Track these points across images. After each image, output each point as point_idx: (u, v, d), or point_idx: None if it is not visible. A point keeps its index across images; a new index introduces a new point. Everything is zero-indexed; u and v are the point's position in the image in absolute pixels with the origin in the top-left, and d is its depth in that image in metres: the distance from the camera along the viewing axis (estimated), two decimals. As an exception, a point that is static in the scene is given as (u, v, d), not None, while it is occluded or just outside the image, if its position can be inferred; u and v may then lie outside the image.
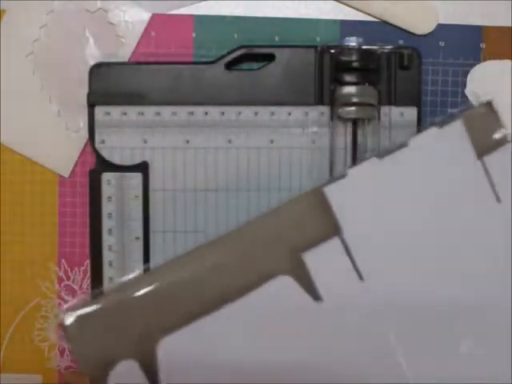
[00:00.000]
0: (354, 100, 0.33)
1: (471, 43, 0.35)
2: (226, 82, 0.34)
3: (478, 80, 0.35)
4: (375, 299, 0.30)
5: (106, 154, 0.34)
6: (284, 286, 0.29)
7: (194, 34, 0.35)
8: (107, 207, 0.34)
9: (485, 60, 0.35)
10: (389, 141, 0.34)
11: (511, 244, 0.31)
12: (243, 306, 0.29)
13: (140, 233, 0.34)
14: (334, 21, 0.35)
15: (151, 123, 0.34)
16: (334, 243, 0.30)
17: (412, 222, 0.30)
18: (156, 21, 0.35)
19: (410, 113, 0.34)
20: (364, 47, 0.34)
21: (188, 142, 0.34)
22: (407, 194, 0.30)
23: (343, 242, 0.30)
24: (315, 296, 0.29)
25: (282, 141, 0.34)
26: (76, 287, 0.36)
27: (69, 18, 0.35)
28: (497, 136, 0.31)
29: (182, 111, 0.34)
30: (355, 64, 0.33)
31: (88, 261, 0.35)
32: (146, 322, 0.29)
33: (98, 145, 0.34)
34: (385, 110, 0.34)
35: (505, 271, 0.31)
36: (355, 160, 0.33)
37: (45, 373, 0.36)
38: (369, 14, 0.35)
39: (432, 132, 0.31)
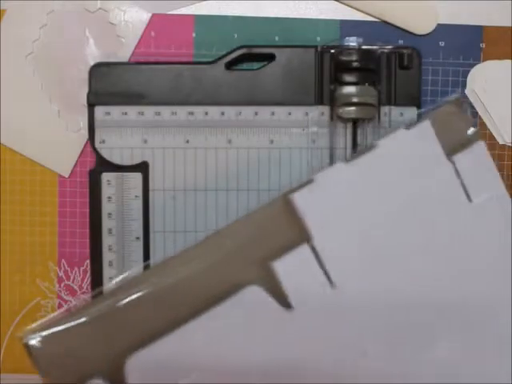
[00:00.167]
0: (354, 100, 0.33)
1: (471, 43, 0.35)
2: (226, 81, 0.34)
3: (478, 80, 0.35)
4: (347, 305, 0.29)
5: (105, 154, 0.34)
6: (253, 296, 0.29)
7: (194, 34, 0.35)
8: (107, 207, 0.34)
9: (485, 60, 0.35)
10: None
11: (483, 243, 0.30)
12: (212, 318, 0.29)
13: (140, 233, 0.34)
14: (334, 21, 0.35)
15: (151, 123, 0.34)
16: (304, 250, 0.29)
17: (382, 225, 0.30)
18: (156, 21, 0.35)
19: (410, 113, 0.34)
20: (364, 47, 0.34)
21: (188, 141, 0.34)
22: (376, 197, 0.30)
23: (313, 248, 0.29)
24: (285, 305, 0.29)
25: (282, 141, 0.34)
26: (76, 287, 0.36)
27: (69, 18, 0.35)
28: (466, 134, 0.31)
29: (182, 111, 0.34)
30: (355, 64, 0.33)
31: (88, 261, 0.35)
32: (113, 339, 0.29)
33: (98, 145, 0.34)
34: (385, 109, 0.34)
35: (478, 270, 0.30)
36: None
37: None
38: (369, 14, 0.35)
39: (400, 133, 0.31)
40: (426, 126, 0.30)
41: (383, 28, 0.35)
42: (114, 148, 0.34)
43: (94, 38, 0.35)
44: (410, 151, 0.30)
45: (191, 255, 0.30)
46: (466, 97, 0.35)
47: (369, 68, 0.33)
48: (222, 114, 0.34)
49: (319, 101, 0.34)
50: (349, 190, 0.30)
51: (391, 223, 0.30)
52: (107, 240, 0.34)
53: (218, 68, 0.34)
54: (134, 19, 0.35)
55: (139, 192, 0.34)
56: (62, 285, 0.36)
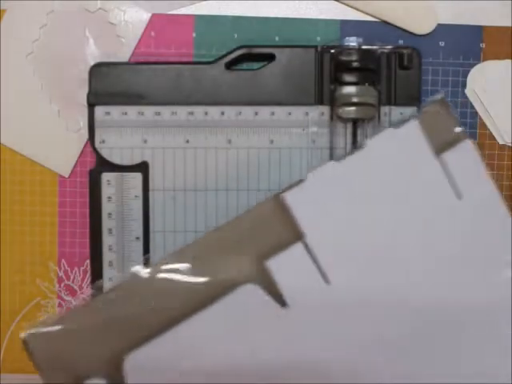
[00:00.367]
0: (354, 100, 0.33)
1: (471, 43, 0.35)
2: (226, 81, 0.34)
3: (478, 80, 0.35)
4: (341, 302, 0.30)
5: (105, 153, 0.34)
6: (250, 294, 0.29)
7: (194, 34, 0.35)
8: (107, 207, 0.34)
9: (485, 60, 0.35)
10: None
11: (472, 240, 0.31)
12: (209, 316, 0.29)
13: (140, 233, 0.34)
14: (334, 21, 0.35)
15: (151, 123, 0.34)
16: (297, 248, 0.29)
17: (373, 222, 0.30)
18: (156, 21, 0.35)
19: (410, 113, 0.34)
20: (364, 47, 0.34)
21: (188, 141, 0.34)
22: (366, 195, 0.30)
23: (306, 246, 0.29)
24: (281, 302, 0.29)
25: (282, 141, 0.34)
26: (76, 287, 0.36)
27: (69, 18, 0.35)
28: (453, 133, 0.31)
29: (182, 111, 0.34)
30: (355, 64, 0.33)
31: (88, 261, 0.35)
32: (112, 338, 0.29)
33: (98, 145, 0.34)
34: (385, 109, 0.34)
35: (467, 267, 0.30)
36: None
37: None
38: (369, 14, 0.35)
39: (388, 133, 0.31)
40: (413, 125, 0.31)
41: (383, 28, 0.35)
42: (114, 148, 0.34)
43: (93, 38, 0.35)
44: (398, 150, 0.31)
45: (186, 254, 0.30)
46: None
47: (369, 68, 0.33)
48: (222, 113, 0.34)
49: (319, 101, 0.34)
50: (339, 189, 0.30)
51: (381, 221, 0.30)
52: (107, 240, 0.34)
53: (217, 68, 0.34)
54: (133, 19, 0.35)
55: (139, 192, 0.34)
56: (62, 285, 0.36)
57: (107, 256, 0.34)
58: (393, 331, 0.30)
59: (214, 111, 0.34)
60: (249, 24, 0.35)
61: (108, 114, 0.34)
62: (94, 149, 0.34)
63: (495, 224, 0.31)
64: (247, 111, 0.34)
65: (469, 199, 0.31)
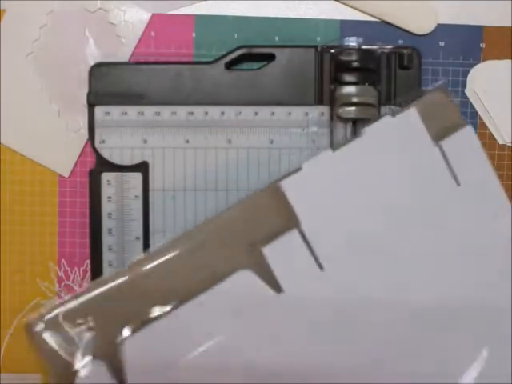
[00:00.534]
0: (354, 100, 0.33)
1: (471, 43, 0.35)
2: (226, 81, 0.34)
3: (478, 80, 0.35)
4: (336, 288, 0.30)
5: (106, 153, 0.34)
6: (245, 279, 0.29)
7: (194, 34, 0.35)
8: (107, 207, 0.34)
9: (485, 60, 0.35)
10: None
11: (471, 226, 0.30)
12: (205, 302, 0.29)
13: (140, 233, 0.34)
14: (334, 21, 0.35)
15: (151, 123, 0.34)
16: (293, 235, 0.30)
17: (370, 210, 0.30)
18: (156, 21, 0.35)
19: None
20: (364, 47, 0.34)
21: (188, 141, 0.34)
22: (364, 183, 0.30)
23: (302, 233, 0.30)
24: (276, 288, 0.29)
25: (282, 141, 0.34)
26: (76, 287, 0.36)
27: (69, 18, 0.35)
28: (453, 121, 0.31)
29: (182, 111, 0.34)
30: (355, 64, 0.33)
31: (88, 261, 0.35)
32: (110, 322, 0.29)
33: (98, 145, 0.34)
34: (385, 109, 0.34)
35: (465, 254, 0.30)
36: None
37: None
38: (369, 14, 0.35)
39: (386, 121, 0.31)
40: (411, 112, 0.30)
41: (383, 28, 0.35)
42: (114, 148, 0.34)
43: (93, 38, 0.35)
44: (396, 138, 0.30)
45: (182, 241, 0.30)
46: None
47: (369, 68, 0.33)
48: (222, 113, 0.34)
49: (319, 101, 0.34)
50: (336, 177, 0.30)
51: (378, 208, 0.30)
52: (107, 240, 0.34)
53: (217, 68, 0.34)
54: (133, 19, 0.35)
55: (139, 192, 0.34)
56: (62, 285, 0.36)
57: (107, 256, 0.34)
58: (387, 318, 0.30)
59: (214, 111, 0.34)
60: (249, 24, 0.35)
61: (108, 114, 0.34)
62: (94, 149, 0.34)
63: (494, 210, 0.31)
64: (247, 111, 0.34)
65: (468, 185, 0.30)
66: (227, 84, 0.34)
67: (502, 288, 0.31)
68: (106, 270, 0.34)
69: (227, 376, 0.29)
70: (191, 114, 0.34)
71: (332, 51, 0.34)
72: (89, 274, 0.35)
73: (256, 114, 0.34)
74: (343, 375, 0.30)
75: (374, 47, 0.34)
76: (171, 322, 0.29)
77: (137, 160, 0.34)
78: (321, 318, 0.30)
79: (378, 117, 0.31)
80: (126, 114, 0.34)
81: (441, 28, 0.35)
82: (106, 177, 0.34)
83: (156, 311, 0.29)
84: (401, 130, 0.30)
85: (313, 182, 0.30)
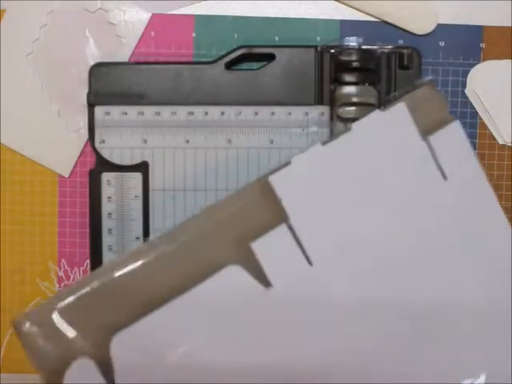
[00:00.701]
0: (354, 100, 0.33)
1: (471, 43, 0.35)
2: (226, 81, 0.34)
3: (478, 80, 0.35)
4: (325, 284, 0.30)
5: (106, 153, 0.34)
6: (234, 275, 0.29)
7: (194, 34, 0.35)
8: (107, 207, 0.34)
9: (485, 60, 0.35)
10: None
11: (459, 221, 0.31)
12: (193, 297, 0.29)
13: (140, 233, 0.34)
14: (334, 21, 0.35)
15: (151, 123, 0.34)
16: (282, 230, 0.29)
17: (359, 205, 0.30)
18: (156, 21, 0.35)
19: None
20: (364, 47, 0.34)
21: (188, 141, 0.34)
22: (353, 178, 0.30)
23: (290, 228, 0.29)
24: (265, 283, 0.29)
25: (282, 141, 0.34)
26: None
27: (69, 18, 0.35)
28: (441, 116, 0.31)
29: (182, 111, 0.34)
30: (355, 64, 0.33)
31: (88, 261, 0.35)
32: (99, 319, 0.29)
33: (98, 145, 0.34)
34: (385, 109, 0.34)
35: (453, 248, 0.30)
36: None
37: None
38: (369, 14, 0.35)
39: (374, 115, 0.30)
40: (400, 107, 0.30)
41: (383, 28, 0.35)
42: (114, 148, 0.34)
43: (93, 38, 0.35)
44: (385, 132, 0.30)
45: (171, 236, 0.30)
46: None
47: (369, 68, 0.33)
48: (222, 113, 0.34)
49: (319, 101, 0.34)
50: (325, 171, 0.30)
51: (366, 204, 0.30)
52: (107, 240, 0.34)
53: (217, 68, 0.34)
54: (133, 19, 0.35)
55: (139, 192, 0.34)
56: (62, 285, 0.36)
57: (107, 256, 0.34)
58: (377, 315, 0.30)
59: (214, 111, 0.34)
60: (249, 24, 0.35)
61: (108, 114, 0.34)
62: (94, 149, 0.34)
63: (481, 205, 0.31)
64: (247, 111, 0.34)
65: (455, 180, 0.30)
66: (227, 84, 0.34)
67: (493, 287, 0.31)
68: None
69: (216, 373, 0.29)
70: (191, 114, 0.34)
71: (332, 51, 0.34)
72: (89, 273, 0.35)
73: (256, 114, 0.34)
74: (333, 373, 0.30)
75: (374, 47, 0.34)
76: (159, 319, 0.29)
77: (137, 160, 0.34)
78: (310, 314, 0.30)
79: (368, 111, 0.31)
80: (125, 114, 0.34)
81: (441, 28, 0.35)
82: (106, 177, 0.34)
83: (144, 308, 0.29)
84: (389, 124, 0.30)
85: (302, 177, 0.30)
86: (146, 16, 0.35)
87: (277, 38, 0.35)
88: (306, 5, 0.35)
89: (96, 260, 0.34)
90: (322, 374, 0.30)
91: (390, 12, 0.35)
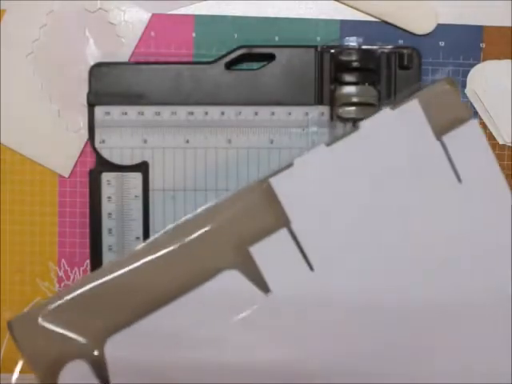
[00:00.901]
0: (354, 100, 0.33)
1: (471, 43, 0.35)
2: (226, 81, 0.34)
3: (478, 80, 0.35)
4: (326, 289, 0.29)
5: (106, 153, 0.34)
6: (231, 279, 0.28)
7: (194, 34, 0.35)
8: (107, 207, 0.34)
9: (485, 60, 0.35)
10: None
11: (473, 225, 0.29)
12: (189, 302, 0.28)
13: (140, 233, 0.34)
14: (334, 21, 0.35)
15: (151, 123, 0.34)
16: (282, 234, 0.29)
17: (364, 208, 0.29)
18: (156, 21, 0.35)
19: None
20: (364, 47, 0.34)
21: (188, 141, 0.34)
22: (359, 180, 0.29)
23: (291, 232, 0.29)
24: (264, 288, 0.28)
25: (281, 141, 0.34)
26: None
27: (69, 18, 0.35)
28: (458, 114, 0.29)
29: (182, 111, 0.34)
30: (355, 64, 0.33)
31: (88, 261, 0.35)
32: (94, 321, 0.29)
33: (98, 145, 0.34)
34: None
35: (466, 252, 0.29)
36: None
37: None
38: (369, 14, 0.35)
39: (384, 114, 0.29)
40: (413, 104, 0.29)
41: (383, 28, 0.35)
42: (114, 148, 0.34)
43: (94, 38, 0.35)
44: (396, 131, 0.29)
45: (169, 238, 0.29)
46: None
47: (369, 68, 0.33)
48: (222, 113, 0.34)
49: (319, 101, 0.34)
50: (329, 173, 0.29)
51: (374, 206, 0.29)
52: (107, 240, 0.34)
53: (217, 68, 0.34)
54: (133, 19, 0.35)
55: (139, 192, 0.34)
56: (62, 285, 0.36)
57: (107, 256, 0.34)
58: (376, 319, 0.29)
59: (214, 111, 0.34)
60: (249, 24, 0.35)
61: (108, 114, 0.34)
62: (94, 149, 0.34)
63: (498, 211, 0.29)
64: (247, 111, 0.34)
65: (470, 183, 0.29)
66: (227, 84, 0.34)
67: (501, 288, 0.30)
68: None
69: (212, 375, 0.29)
70: (191, 114, 0.34)
71: (332, 51, 0.34)
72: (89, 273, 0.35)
73: (256, 114, 0.34)
74: (332, 374, 0.29)
75: (374, 47, 0.34)
76: (155, 322, 0.28)
77: (137, 160, 0.34)
78: (309, 320, 0.29)
79: (377, 111, 0.30)
80: (125, 114, 0.34)
81: (441, 28, 0.35)
82: (106, 177, 0.34)
83: (141, 310, 0.29)
84: (401, 123, 0.29)
85: (305, 179, 0.29)
86: (145, 16, 0.35)
87: (277, 38, 0.35)
88: (305, 5, 0.35)
89: (96, 260, 0.34)
90: (322, 376, 0.29)
91: (390, 12, 0.35)
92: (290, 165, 0.29)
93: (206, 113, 0.34)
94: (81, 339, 0.29)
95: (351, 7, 0.35)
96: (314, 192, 0.29)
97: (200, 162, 0.34)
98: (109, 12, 0.35)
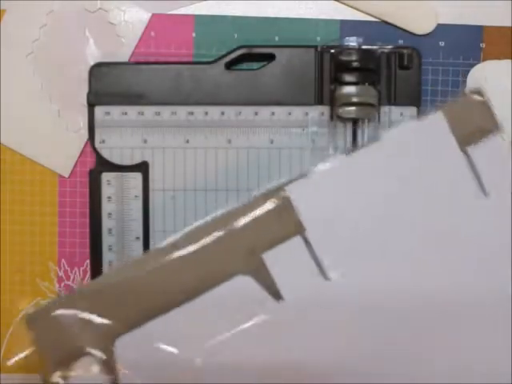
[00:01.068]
0: (354, 100, 0.33)
1: (471, 43, 0.35)
2: (226, 81, 0.34)
3: (478, 80, 0.35)
4: (340, 298, 0.28)
5: (106, 153, 0.34)
6: (243, 285, 0.28)
7: (194, 34, 0.35)
8: (107, 207, 0.34)
9: (485, 60, 0.35)
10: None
11: (499, 238, 0.29)
12: (200, 305, 0.28)
13: (140, 233, 0.34)
14: (334, 21, 0.35)
15: (151, 123, 0.34)
16: (296, 242, 0.28)
17: (385, 220, 0.28)
18: (156, 21, 0.35)
19: (410, 113, 0.34)
20: (364, 47, 0.34)
21: (188, 141, 0.34)
22: (379, 191, 0.28)
23: (306, 240, 0.28)
24: (276, 295, 0.28)
25: (282, 141, 0.34)
26: (76, 287, 0.36)
27: (69, 18, 0.35)
28: (484, 125, 0.29)
29: (182, 111, 0.34)
30: (355, 64, 0.33)
31: (88, 261, 0.35)
32: (105, 319, 0.29)
33: (98, 145, 0.34)
34: (385, 109, 0.34)
35: (492, 265, 0.29)
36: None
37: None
38: (369, 14, 0.35)
39: (407, 125, 0.29)
40: (437, 116, 0.28)
41: (383, 28, 0.35)
42: (114, 148, 0.34)
43: (94, 38, 0.35)
44: (418, 143, 0.28)
45: (182, 243, 0.29)
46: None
47: (369, 68, 0.33)
48: (222, 113, 0.34)
49: (319, 101, 0.34)
50: (347, 183, 0.29)
51: (394, 219, 0.28)
52: (107, 240, 0.34)
53: (217, 68, 0.34)
54: (133, 19, 0.35)
55: (139, 192, 0.34)
56: (62, 285, 0.36)
57: (107, 256, 0.34)
58: (392, 330, 0.29)
59: (214, 111, 0.34)
60: (249, 24, 0.35)
61: (108, 114, 0.34)
62: (94, 149, 0.34)
63: None
64: (247, 111, 0.34)
65: (496, 197, 0.28)
66: (227, 84, 0.34)
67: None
68: (106, 270, 0.34)
69: (220, 378, 0.29)
70: (191, 114, 0.34)
71: (332, 51, 0.34)
72: (89, 274, 0.35)
73: (256, 114, 0.34)
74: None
75: (374, 47, 0.34)
76: (165, 324, 0.28)
77: (137, 160, 0.34)
78: (322, 330, 0.29)
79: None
80: (125, 114, 0.34)
81: (441, 28, 0.35)
82: (106, 177, 0.34)
83: (152, 311, 0.29)
84: (423, 134, 0.28)
85: (321, 188, 0.28)
86: (145, 16, 0.35)
87: (277, 38, 0.35)
88: (305, 5, 0.35)
89: (96, 260, 0.34)
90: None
91: (390, 12, 0.35)
92: (306, 173, 0.29)
93: (206, 113, 0.34)
94: (92, 336, 0.29)
95: (351, 7, 0.35)
96: (331, 201, 0.29)
97: (200, 162, 0.34)
98: (109, 12, 0.35)
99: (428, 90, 0.35)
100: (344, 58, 0.33)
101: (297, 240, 0.28)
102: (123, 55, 0.35)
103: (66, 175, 0.35)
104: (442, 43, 0.35)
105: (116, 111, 0.34)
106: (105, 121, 0.34)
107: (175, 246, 0.29)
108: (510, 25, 0.35)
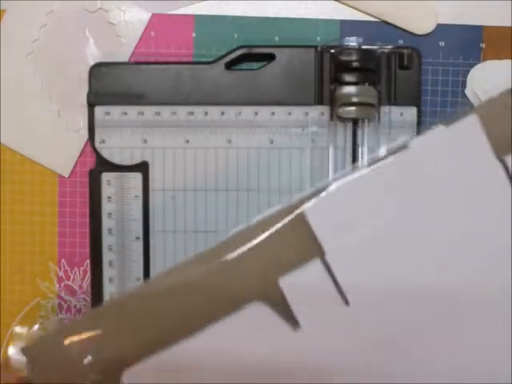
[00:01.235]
0: (354, 100, 0.33)
1: (471, 43, 0.35)
2: (226, 81, 0.34)
3: (478, 80, 0.35)
4: (361, 325, 0.27)
5: (106, 153, 0.34)
6: (258, 313, 0.26)
7: (194, 34, 0.35)
8: (107, 207, 0.34)
9: (485, 60, 0.35)
10: (388, 141, 0.34)
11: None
12: (213, 335, 0.26)
13: (140, 233, 0.34)
14: (334, 21, 0.35)
15: (151, 123, 0.34)
16: (315, 266, 0.26)
17: (413, 239, 0.26)
18: (156, 21, 0.35)
19: (410, 113, 0.34)
20: (364, 47, 0.34)
21: (188, 141, 0.34)
22: (405, 207, 0.26)
23: (325, 263, 0.26)
24: (293, 323, 0.26)
25: (282, 141, 0.34)
26: (76, 287, 0.36)
27: (69, 18, 0.35)
28: None
29: (182, 111, 0.34)
30: (355, 64, 0.33)
31: (88, 261, 0.35)
32: (112, 350, 0.27)
33: (98, 145, 0.34)
34: (385, 109, 0.34)
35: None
36: (355, 160, 0.33)
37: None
38: (369, 14, 0.35)
39: (437, 131, 0.27)
40: (471, 120, 0.26)
41: (383, 28, 0.35)
42: (114, 148, 0.34)
43: (94, 38, 0.35)
44: (450, 151, 0.26)
45: (193, 267, 0.28)
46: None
47: (369, 68, 0.33)
48: (222, 113, 0.34)
49: (319, 101, 0.34)
50: (369, 200, 0.26)
51: (424, 238, 0.26)
52: (107, 240, 0.34)
53: (217, 68, 0.34)
54: (133, 19, 0.35)
55: (139, 192, 0.34)
56: (62, 285, 0.36)
57: (107, 256, 0.34)
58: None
59: (214, 111, 0.34)
60: (249, 24, 0.35)
61: (108, 114, 0.34)
62: (94, 149, 0.34)
63: None
64: (247, 111, 0.34)
65: None
66: (227, 84, 0.34)
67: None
68: (106, 270, 0.34)
69: None
70: (191, 114, 0.34)
71: (332, 51, 0.34)
72: (89, 274, 0.35)
73: (256, 114, 0.34)
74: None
75: (374, 47, 0.34)
76: (174, 355, 0.27)
77: (137, 160, 0.34)
78: (342, 360, 0.27)
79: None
80: (125, 114, 0.34)
81: (441, 28, 0.35)
82: (106, 177, 0.34)
83: (159, 339, 0.27)
84: (456, 141, 0.26)
85: (341, 207, 0.26)
86: (145, 16, 0.35)
87: (277, 38, 0.35)
88: (305, 5, 0.35)
89: (96, 260, 0.34)
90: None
91: (390, 12, 0.35)
92: (323, 188, 0.27)
93: (206, 113, 0.34)
94: (97, 368, 0.27)
95: (351, 7, 0.35)
96: (352, 220, 0.26)
97: (200, 162, 0.34)
98: (109, 12, 0.35)
99: (428, 90, 0.35)
100: (344, 57, 0.33)
101: (316, 263, 0.27)
102: (123, 55, 0.35)
103: (66, 175, 0.35)
104: (441, 43, 0.35)
105: (116, 111, 0.34)
106: (105, 121, 0.34)
107: (185, 271, 0.28)
108: (509, 25, 0.35)
